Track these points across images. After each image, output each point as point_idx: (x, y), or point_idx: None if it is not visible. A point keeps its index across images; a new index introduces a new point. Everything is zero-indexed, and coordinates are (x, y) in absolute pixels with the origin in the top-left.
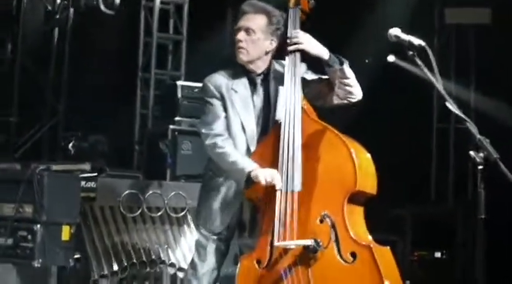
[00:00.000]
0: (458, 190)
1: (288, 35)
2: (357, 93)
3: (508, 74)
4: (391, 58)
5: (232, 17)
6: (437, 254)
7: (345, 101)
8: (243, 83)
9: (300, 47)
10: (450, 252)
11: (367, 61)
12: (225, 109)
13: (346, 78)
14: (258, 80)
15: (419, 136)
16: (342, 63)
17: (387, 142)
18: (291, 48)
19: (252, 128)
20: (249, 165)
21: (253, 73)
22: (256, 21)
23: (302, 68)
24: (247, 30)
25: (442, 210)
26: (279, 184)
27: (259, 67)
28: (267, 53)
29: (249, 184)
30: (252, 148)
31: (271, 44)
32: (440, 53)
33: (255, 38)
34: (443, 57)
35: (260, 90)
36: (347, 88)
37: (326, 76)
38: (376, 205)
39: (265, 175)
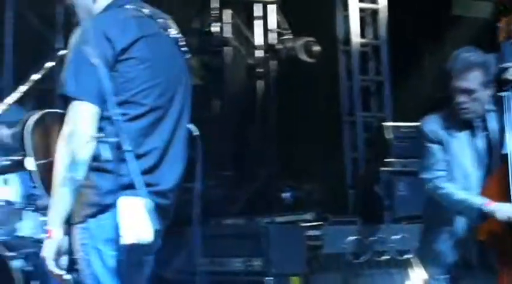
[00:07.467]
0: None
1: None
2: None
3: None
4: None
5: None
6: None
7: None
8: (459, 127)
9: None
10: None
11: None
12: (444, 153)
13: None
14: (477, 123)
15: None
16: None
17: None
18: None
19: (472, 173)
20: (479, 200)
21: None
22: (473, 80)
23: None
24: (467, 91)
25: None
26: None
27: (478, 113)
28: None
29: (483, 219)
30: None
31: (489, 91)
32: None
33: (475, 96)
34: None
35: (479, 132)
36: None
37: None
38: None
39: (504, 211)
